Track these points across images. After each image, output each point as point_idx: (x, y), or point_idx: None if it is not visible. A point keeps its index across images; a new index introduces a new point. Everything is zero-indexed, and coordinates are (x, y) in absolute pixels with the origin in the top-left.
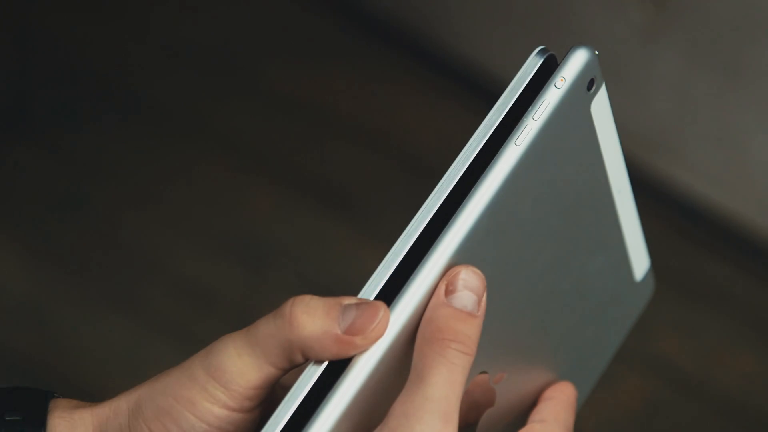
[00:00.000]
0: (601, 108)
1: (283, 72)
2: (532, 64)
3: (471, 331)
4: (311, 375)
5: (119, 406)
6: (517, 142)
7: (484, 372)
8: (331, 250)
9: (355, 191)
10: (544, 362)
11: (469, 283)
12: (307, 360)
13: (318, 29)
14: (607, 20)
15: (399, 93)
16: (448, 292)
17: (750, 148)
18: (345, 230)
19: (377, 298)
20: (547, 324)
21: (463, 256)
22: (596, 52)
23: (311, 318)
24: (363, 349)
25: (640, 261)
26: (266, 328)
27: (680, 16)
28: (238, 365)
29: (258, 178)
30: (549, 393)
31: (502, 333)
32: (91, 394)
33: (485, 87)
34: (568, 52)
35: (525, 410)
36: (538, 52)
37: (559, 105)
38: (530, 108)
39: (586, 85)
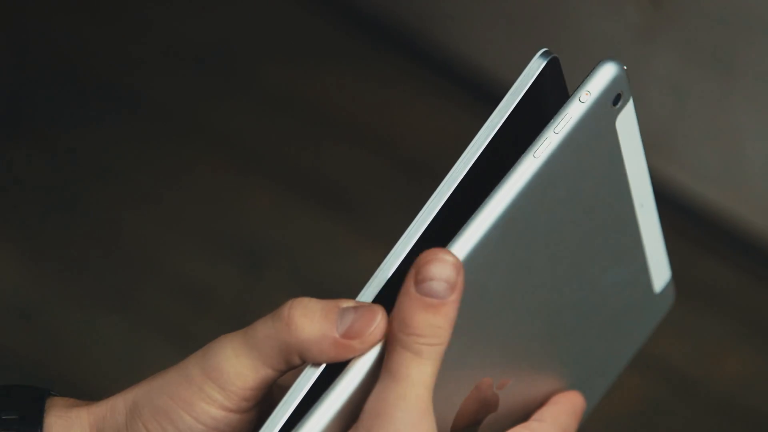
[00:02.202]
0: (627, 123)
1: (282, 72)
2: (535, 66)
3: (440, 321)
4: (309, 377)
5: (116, 405)
6: (536, 155)
7: (487, 377)
8: (328, 250)
9: (353, 191)
10: (553, 371)
11: (436, 268)
12: (304, 362)
13: (317, 29)
14: (604, 19)
15: (397, 93)
16: (417, 281)
17: (747, 148)
18: (342, 230)
19: (375, 300)
20: (558, 334)
21: (472, 265)
22: (625, 67)
23: (309, 321)
24: (360, 353)
25: (660, 273)
26: (264, 329)
27: (677, 15)
28: (235, 366)
29: (256, 178)
30: (555, 398)
31: (510, 342)
32: (89, 393)
33: (482, 87)
34: (596, 66)
35: (529, 417)
36: (541, 55)
37: (581, 119)
38: (552, 120)
39: (611, 100)
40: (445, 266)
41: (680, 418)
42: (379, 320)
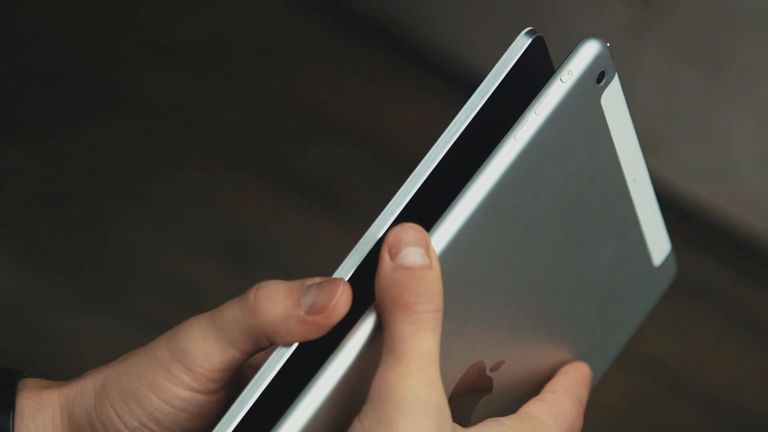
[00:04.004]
0: (613, 99)
1: (271, 70)
2: (518, 45)
3: (432, 284)
4: (279, 358)
5: (86, 386)
6: (516, 137)
7: (480, 361)
8: (317, 247)
9: (342, 188)
10: (555, 347)
11: (409, 238)
12: (274, 344)
13: (305, 27)
14: (593, 17)
15: (385, 90)
16: (393, 255)
17: (735, 144)
18: (331, 227)
19: (351, 279)
20: (558, 311)
21: (456, 250)
22: (608, 44)
23: (274, 303)
24: (327, 329)
25: (659, 246)
26: (232, 312)
27: (666, 13)
28: (201, 347)
29: (245, 176)
30: (563, 369)
31: (501, 323)
32: None
33: (471, 83)
34: (577, 44)
35: (531, 395)
36: (526, 33)
37: (563, 99)
38: (533, 101)
39: (595, 78)
40: (412, 232)
41: (668, 415)
42: (341, 291)
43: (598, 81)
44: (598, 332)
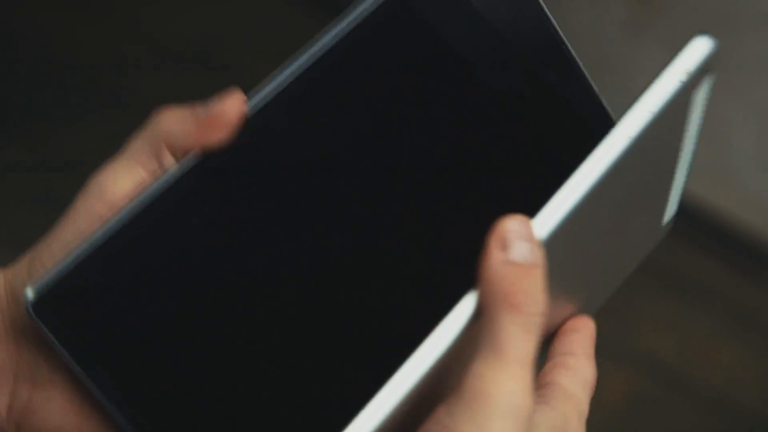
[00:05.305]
0: (703, 93)
1: (271, 69)
2: None
3: (538, 284)
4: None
5: (23, 259)
6: (626, 134)
7: None
8: None
9: None
10: (570, 301)
11: (520, 231)
12: (174, 156)
13: (305, 26)
14: (592, 15)
15: None
16: (504, 248)
17: (733, 143)
18: None
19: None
20: (584, 271)
21: (550, 242)
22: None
23: (172, 111)
24: (224, 130)
25: (671, 208)
26: (135, 135)
27: (664, 11)
28: (112, 176)
29: None
30: (573, 325)
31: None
32: None
33: None
34: (690, 44)
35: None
36: None
37: (674, 97)
38: (644, 95)
39: (703, 77)
40: (520, 225)
41: (665, 411)
42: (234, 96)
43: (702, 79)
44: (603, 281)
